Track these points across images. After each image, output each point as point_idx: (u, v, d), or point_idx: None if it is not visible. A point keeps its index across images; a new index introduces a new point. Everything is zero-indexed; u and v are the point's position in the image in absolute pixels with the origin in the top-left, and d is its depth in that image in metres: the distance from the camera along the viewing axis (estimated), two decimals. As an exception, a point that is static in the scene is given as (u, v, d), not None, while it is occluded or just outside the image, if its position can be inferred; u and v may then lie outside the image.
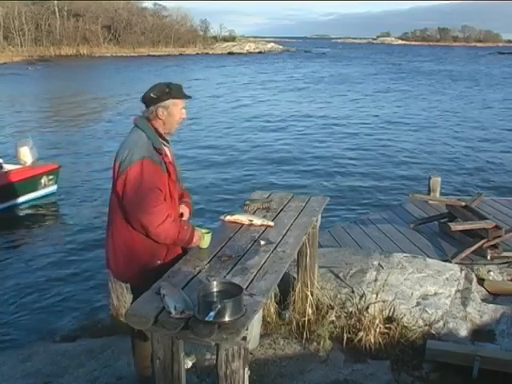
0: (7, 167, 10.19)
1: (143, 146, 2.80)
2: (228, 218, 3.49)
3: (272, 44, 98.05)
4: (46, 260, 8.04)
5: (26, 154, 10.22)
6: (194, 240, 2.96)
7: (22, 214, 10.21)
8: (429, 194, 8.14)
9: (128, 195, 2.77)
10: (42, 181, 10.62)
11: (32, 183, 10.36)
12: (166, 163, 2.87)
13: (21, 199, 10.30)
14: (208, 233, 3.03)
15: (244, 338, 2.25)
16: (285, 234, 3.34)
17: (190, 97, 2.98)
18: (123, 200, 2.80)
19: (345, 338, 3.75)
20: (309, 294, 3.92)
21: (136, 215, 2.77)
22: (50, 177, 10.81)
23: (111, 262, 3.01)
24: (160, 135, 2.93)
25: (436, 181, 8.17)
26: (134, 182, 2.74)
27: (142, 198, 2.74)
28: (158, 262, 2.90)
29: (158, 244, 2.86)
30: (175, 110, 2.91)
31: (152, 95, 2.86)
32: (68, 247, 8.57)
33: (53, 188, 10.99)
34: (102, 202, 10.06)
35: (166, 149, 2.97)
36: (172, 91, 2.88)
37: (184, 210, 3.18)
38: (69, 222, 9.92)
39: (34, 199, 10.54)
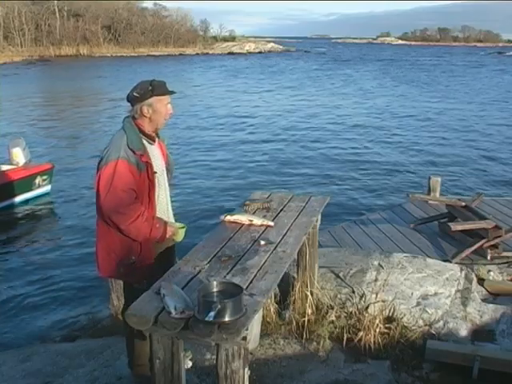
0: (1, 168, 10.17)
1: (121, 146, 2.86)
2: (228, 218, 3.49)
3: (272, 44, 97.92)
4: (43, 260, 8.02)
5: (19, 155, 10.19)
6: (167, 236, 3.04)
7: (16, 214, 10.17)
8: (429, 194, 8.15)
9: (101, 194, 2.85)
10: (37, 181, 10.59)
11: (26, 183, 10.33)
12: (144, 163, 2.90)
13: (15, 199, 10.27)
14: (183, 228, 3.15)
15: (244, 338, 2.25)
16: (285, 234, 3.34)
17: (173, 92, 3.02)
18: (97, 198, 2.90)
19: (345, 338, 3.74)
20: (309, 294, 3.92)
21: (108, 213, 2.86)
22: (44, 177, 10.79)
23: (95, 256, 3.10)
24: (145, 134, 2.97)
25: (436, 181, 8.18)
26: (106, 182, 2.82)
27: (113, 198, 2.82)
28: (133, 257, 2.97)
29: (133, 240, 2.94)
30: (160, 107, 2.94)
31: (135, 94, 2.91)
32: (64, 247, 8.55)
33: (47, 188, 10.97)
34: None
35: (152, 147, 3.02)
36: (155, 88, 2.91)
37: None
38: (64, 221, 9.91)
39: (28, 200, 10.52)
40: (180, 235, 3.14)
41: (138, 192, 2.88)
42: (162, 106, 2.94)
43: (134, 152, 2.86)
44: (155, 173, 2.97)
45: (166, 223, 3.04)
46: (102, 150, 2.95)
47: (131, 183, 2.84)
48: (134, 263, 2.96)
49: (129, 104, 2.99)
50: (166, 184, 3.17)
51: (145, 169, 2.89)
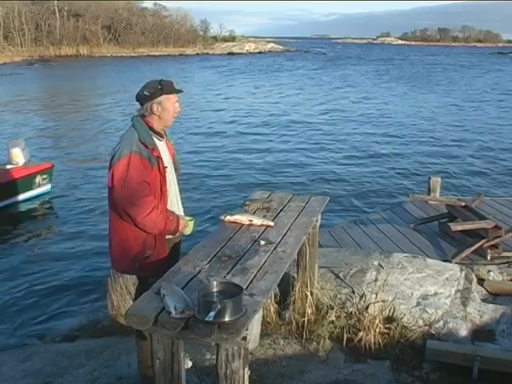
0: (1, 167, 10.17)
1: (132, 141, 2.94)
2: (228, 218, 3.50)
3: (272, 44, 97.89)
4: (43, 260, 8.00)
5: (18, 155, 10.21)
6: (180, 228, 3.11)
7: (17, 213, 10.18)
8: (429, 194, 8.14)
9: (116, 188, 2.90)
10: (37, 180, 10.61)
11: (26, 182, 10.35)
12: (155, 157, 2.97)
13: (15, 198, 10.29)
14: (191, 220, 3.19)
15: (244, 338, 2.25)
16: (285, 234, 3.34)
17: (181, 91, 3.11)
18: (112, 192, 2.95)
19: (345, 338, 3.74)
20: (309, 294, 3.92)
21: (123, 206, 2.91)
22: (44, 176, 10.82)
23: (109, 253, 3.14)
24: (154, 131, 3.06)
25: (436, 181, 8.17)
26: (121, 175, 2.88)
27: (128, 190, 2.87)
28: (148, 251, 3.01)
29: (147, 234, 2.99)
30: (168, 105, 3.03)
31: (145, 93, 2.99)
32: (64, 246, 8.54)
33: (47, 187, 11.00)
34: (96, 201, 10.10)
35: (161, 143, 3.10)
36: (164, 87, 3.00)
37: None
38: (64, 220, 9.90)
39: (28, 199, 10.53)
40: (190, 228, 3.19)
41: (150, 186, 2.95)
42: (170, 104, 3.03)
43: (146, 146, 2.93)
44: (166, 167, 3.05)
45: (178, 216, 3.11)
46: (114, 147, 3.02)
47: (145, 176, 2.91)
48: (149, 257, 3.01)
49: (133, 104, 3.06)
50: (175, 180, 3.25)
51: (156, 163, 2.97)
